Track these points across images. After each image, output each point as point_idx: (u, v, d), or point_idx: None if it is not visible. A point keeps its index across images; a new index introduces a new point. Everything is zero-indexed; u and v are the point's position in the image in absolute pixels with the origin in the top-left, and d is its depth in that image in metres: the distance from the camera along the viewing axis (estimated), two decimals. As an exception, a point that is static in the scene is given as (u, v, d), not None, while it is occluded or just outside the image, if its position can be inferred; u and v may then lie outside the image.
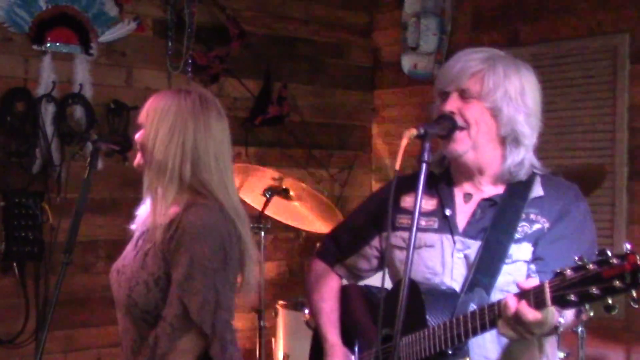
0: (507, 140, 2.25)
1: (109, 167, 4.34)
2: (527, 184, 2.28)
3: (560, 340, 4.17)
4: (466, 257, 2.25)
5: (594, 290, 1.76)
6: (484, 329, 2.03)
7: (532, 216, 2.23)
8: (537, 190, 2.28)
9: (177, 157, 2.43)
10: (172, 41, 4.73)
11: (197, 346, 2.37)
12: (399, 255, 2.37)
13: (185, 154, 2.44)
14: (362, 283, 2.68)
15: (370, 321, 2.45)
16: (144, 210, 2.61)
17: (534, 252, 2.20)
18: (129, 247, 2.58)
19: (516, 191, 2.27)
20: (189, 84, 4.73)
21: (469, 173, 2.32)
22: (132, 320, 2.44)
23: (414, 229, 2.04)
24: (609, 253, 1.76)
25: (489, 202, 2.29)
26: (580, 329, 4.12)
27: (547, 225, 2.21)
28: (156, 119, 2.47)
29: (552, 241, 2.19)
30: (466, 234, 2.28)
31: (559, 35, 4.79)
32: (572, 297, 1.79)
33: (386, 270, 2.32)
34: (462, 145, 2.24)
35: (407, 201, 2.41)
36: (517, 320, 1.91)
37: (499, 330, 1.97)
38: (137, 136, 2.53)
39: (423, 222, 2.31)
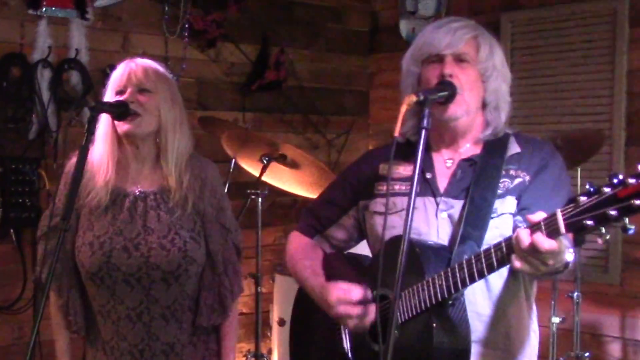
0: (489, 106, 2.33)
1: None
2: (503, 142, 2.34)
3: (556, 305, 4.20)
4: (450, 216, 2.29)
5: (611, 211, 1.74)
6: (491, 269, 2.05)
7: (512, 172, 2.28)
8: (514, 148, 2.33)
9: (179, 119, 2.56)
10: (168, 5, 4.69)
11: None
12: (379, 220, 2.40)
13: (182, 116, 2.58)
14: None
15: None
16: (101, 182, 2.58)
17: (518, 205, 2.24)
18: (120, 216, 2.57)
19: (493, 150, 2.33)
20: (186, 49, 4.72)
21: (453, 138, 2.36)
22: (153, 283, 2.51)
23: (414, 191, 2.05)
24: (621, 176, 1.75)
25: (469, 162, 2.34)
26: (576, 294, 4.14)
27: (527, 178, 2.26)
28: (159, 82, 2.56)
29: (535, 191, 2.23)
30: (448, 194, 2.31)
31: (559, -2, 4.76)
32: (588, 222, 1.78)
33: (386, 222, 2.26)
34: (459, 109, 2.27)
35: (384, 169, 2.45)
36: (532, 252, 1.90)
37: (512, 265, 1.95)
38: (143, 99, 2.54)
39: (403, 187, 2.36)
